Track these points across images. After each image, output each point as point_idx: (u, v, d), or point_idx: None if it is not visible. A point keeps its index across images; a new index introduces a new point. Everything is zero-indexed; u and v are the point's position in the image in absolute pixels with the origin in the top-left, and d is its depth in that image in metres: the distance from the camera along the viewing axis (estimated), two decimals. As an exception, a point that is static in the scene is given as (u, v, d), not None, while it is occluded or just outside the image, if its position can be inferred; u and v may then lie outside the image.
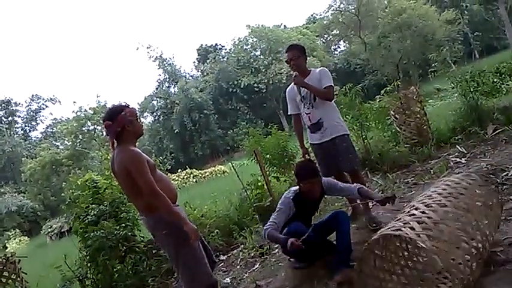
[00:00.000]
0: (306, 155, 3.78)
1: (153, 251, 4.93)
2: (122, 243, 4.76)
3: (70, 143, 31.89)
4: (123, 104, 2.81)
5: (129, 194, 2.80)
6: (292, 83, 3.71)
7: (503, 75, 5.99)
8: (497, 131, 5.26)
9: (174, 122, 38.22)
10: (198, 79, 44.29)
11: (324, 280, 3.01)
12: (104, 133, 36.56)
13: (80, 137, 31.66)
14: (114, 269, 4.69)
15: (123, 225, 4.83)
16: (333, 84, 3.57)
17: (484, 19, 38.78)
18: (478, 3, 35.64)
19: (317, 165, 3.65)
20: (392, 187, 4.54)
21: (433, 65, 7.73)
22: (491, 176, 3.80)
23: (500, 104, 6.01)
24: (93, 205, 4.99)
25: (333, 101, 3.68)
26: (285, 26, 46.02)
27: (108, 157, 5.52)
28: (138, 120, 2.79)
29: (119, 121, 2.66)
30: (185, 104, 37.77)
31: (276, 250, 4.00)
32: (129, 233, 4.89)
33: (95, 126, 31.79)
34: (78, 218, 4.95)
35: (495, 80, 6.03)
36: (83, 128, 31.98)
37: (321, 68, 3.77)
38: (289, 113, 3.92)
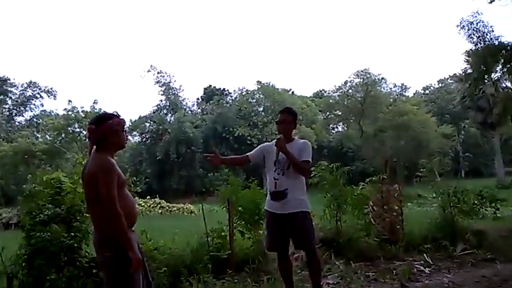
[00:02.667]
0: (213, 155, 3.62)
1: (94, 271, 4.66)
2: (66, 252, 4.50)
3: (51, 138, 31.29)
4: (114, 113, 2.76)
5: (89, 202, 2.66)
6: (273, 143, 3.62)
7: (484, 200, 6.12)
8: (465, 251, 5.28)
9: (159, 149, 37.95)
10: (196, 115, 44.70)
11: None
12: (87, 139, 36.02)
13: (63, 135, 31.17)
14: (48, 277, 4.40)
15: (73, 234, 4.60)
16: (311, 161, 3.55)
17: (478, 143, 40.45)
18: (476, 128, 37.31)
19: (266, 233, 3.69)
20: (352, 276, 4.44)
21: (421, 170, 7.89)
22: (450, 294, 3.75)
23: (475, 226, 6.09)
24: (50, 205, 4.78)
25: (304, 178, 3.61)
26: (293, 92, 47.43)
27: (83, 162, 5.39)
28: (124, 132, 2.72)
29: (103, 128, 2.58)
30: (176, 134, 37.78)
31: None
32: (76, 245, 4.65)
33: (81, 130, 31.41)
34: (29, 214, 4.71)
35: (475, 202, 6.15)
36: (69, 128, 31.56)
37: (304, 140, 3.74)
38: (247, 154, 3.83)
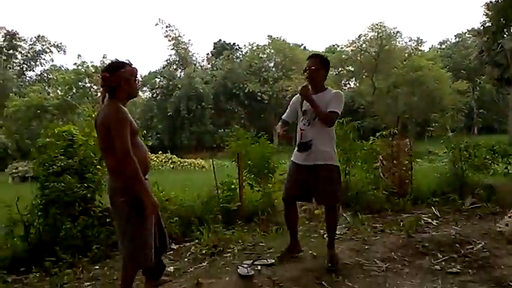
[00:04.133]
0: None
1: (107, 220, 4.80)
2: (79, 202, 4.62)
3: (62, 93, 31.38)
4: (126, 61, 2.74)
5: (103, 150, 2.70)
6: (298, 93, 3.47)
7: (496, 155, 6.04)
8: (474, 205, 5.29)
9: (170, 105, 37.97)
10: (207, 71, 44.24)
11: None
12: (99, 93, 36.26)
13: (74, 90, 31.22)
14: (63, 226, 4.56)
15: (86, 185, 4.70)
16: (339, 112, 3.34)
17: (493, 100, 39.60)
18: (492, 84, 36.36)
19: (286, 182, 3.57)
20: (359, 227, 4.51)
21: (433, 124, 7.79)
22: (456, 245, 3.79)
23: (485, 181, 6.07)
24: (62, 157, 4.86)
25: (333, 129, 3.44)
26: (305, 47, 46.33)
27: (93, 115, 5.41)
28: (136, 81, 2.73)
29: (116, 76, 2.60)
30: (186, 90, 37.61)
31: (229, 254, 3.93)
32: (89, 195, 4.77)
33: (92, 84, 31.40)
34: (43, 165, 4.80)
35: (487, 156, 6.08)
36: (79, 83, 31.56)
37: (337, 91, 3.46)
38: (282, 116, 3.65)
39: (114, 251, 4.29)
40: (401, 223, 4.57)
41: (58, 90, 33.07)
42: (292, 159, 3.53)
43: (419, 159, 10.60)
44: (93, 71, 31.07)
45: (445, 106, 30.36)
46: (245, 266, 3.32)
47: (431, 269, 3.37)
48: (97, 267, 3.91)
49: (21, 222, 4.38)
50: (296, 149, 3.46)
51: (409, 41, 36.17)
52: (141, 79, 40.15)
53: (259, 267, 3.36)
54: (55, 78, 34.68)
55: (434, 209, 5.14)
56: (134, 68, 2.71)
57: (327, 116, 3.29)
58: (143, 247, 2.64)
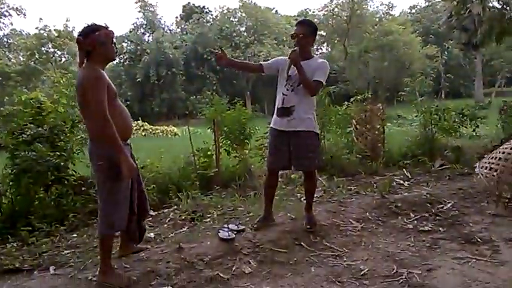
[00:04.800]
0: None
1: (82, 188, 4.73)
2: (52, 171, 4.51)
3: (24, 59, 29.92)
4: (103, 24, 2.68)
5: (82, 113, 2.70)
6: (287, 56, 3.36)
7: (464, 118, 6.26)
8: (443, 167, 5.51)
9: (139, 71, 36.93)
10: (176, 35, 42.98)
11: (249, 255, 3.04)
12: (63, 59, 34.75)
13: (37, 55, 29.82)
14: (36, 195, 4.46)
15: (58, 153, 4.58)
16: (324, 82, 3.33)
17: (460, 64, 40.55)
18: (459, 49, 37.09)
19: (268, 151, 3.52)
20: (334, 190, 4.63)
21: (403, 90, 7.93)
22: (428, 204, 3.97)
23: (453, 143, 6.31)
24: (32, 125, 4.68)
25: (314, 97, 3.43)
26: (276, 11, 45.62)
27: (61, 81, 5.21)
28: (113, 45, 2.68)
29: (90, 39, 2.56)
30: (155, 56, 36.57)
31: (208, 219, 3.97)
32: (62, 163, 4.65)
33: (56, 50, 30.01)
34: (12, 134, 4.62)
35: (456, 119, 6.30)
36: (42, 48, 30.10)
37: (323, 60, 3.42)
38: (260, 63, 3.60)
39: (92, 219, 4.25)
40: (375, 185, 4.73)
41: (20, 56, 31.50)
42: (271, 125, 3.49)
43: (389, 123, 10.91)
44: (56, 35, 29.67)
45: (414, 71, 30.87)
46: (225, 230, 3.37)
47: (404, 228, 3.53)
48: (75, 235, 3.87)
49: (-8, 192, 4.25)
50: (276, 113, 3.42)
51: (380, 5, 36.22)
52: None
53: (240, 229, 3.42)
54: (15, 43, 32.89)
55: (405, 171, 5.32)
56: (110, 30, 2.66)
57: (312, 85, 3.26)
58: (115, 210, 2.66)
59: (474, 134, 6.54)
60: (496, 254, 2.95)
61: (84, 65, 2.59)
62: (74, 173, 4.86)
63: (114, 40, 2.71)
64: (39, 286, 2.62)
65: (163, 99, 37.81)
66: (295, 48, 3.29)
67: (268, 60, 3.62)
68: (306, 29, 3.37)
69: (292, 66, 3.27)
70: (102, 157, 2.59)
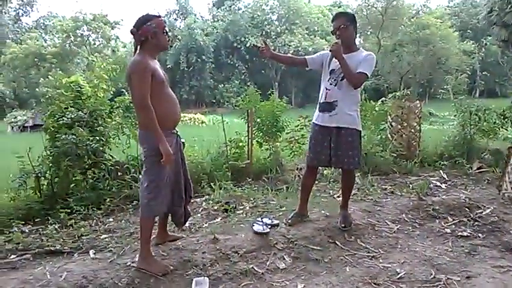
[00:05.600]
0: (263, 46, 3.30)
1: (118, 173, 4.84)
2: (90, 155, 4.62)
3: (60, 41, 30.68)
4: (155, 14, 2.75)
5: (132, 101, 2.84)
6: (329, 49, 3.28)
7: (506, 120, 6.02)
8: (481, 170, 5.34)
9: (169, 57, 37.29)
10: (207, 22, 43.07)
11: (283, 250, 3.04)
12: (97, 42, 35.43)
13: (72, 38, 30.50)
14: (74, 178, 4.59)
15: (97, 138, 4.68)
16: (369, 75, 3.21)
17: (497, 62, 39.00)
18: (498, 45, 35.63)
19: (309, 146, 3.45)
20: (369, 189, 4.56)
21: (441, 88, 7.71)
22: (466, 209, 3.86)
23: (492, 146, 6.09)
24: (72, 108, 4.80)
25: (358, 93, 3.34)
26: (309, 0, 44.92)
27: (103, 66, 5.29)
28: (165, 33, 2.74)
29: (143, 30, 2.64)
30: (187, 42, 36.86)
31: (241, 211, 3.99)
32: (101, 148, 4.76)
33: (90, 32, 30.62)
34: (53, 116, 4.75)
35: (497, 121, 6.07)
36: (77, 31, 30.76)
37: (369, 52, 3.31)
38: (305, 57, 3.52)
39: (127, 204, 4.36)
40: (411, 186, 4.62)
41: (55, 38, 32.31)
42: (313, 120, 3.44)
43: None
44: (92, 18, 30.22)
45: (449, 67, 29.94)
46: (260, 223, 3.38)
47: (442, 232, 3.45)
48: (111, 219, 3.96)
49: (34, 173, 4.39)
50: (318, 109, 3.37)
51: (417, -2, 35.14)
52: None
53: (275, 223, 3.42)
54: (52, 25, 33.76)
55: (442, 173, 5.18)
56: (161, 20, 2.73)
57: (355, 77, 3.17)
58: (155, 195, 2.71)
59: (517, 136, 6.30)
60: (539, 265, 2.84)
61: (137, 53, 2.67)
62: (111, 157, 4.98)
63: (167, 29, 2.76)
64: (80, 269, 2.69)
65: (192, 86, 38.17)
66: (337, 41, 3.22)
67: (299, 50, 3.54)
68: (344, 20, 3.27)
69: (334, 59, 3.21)
70: (146, 143, 2.69)
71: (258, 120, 5.84)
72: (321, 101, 3.35)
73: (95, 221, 3.88)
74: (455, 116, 6.32)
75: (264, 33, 38.85)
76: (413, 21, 30.72)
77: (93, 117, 4.89)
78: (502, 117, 6.04)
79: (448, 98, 7.47)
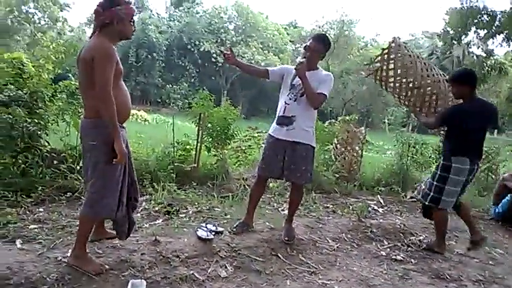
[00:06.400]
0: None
1: (54, 162, 4.51)
2: (25, 138, 4.27)
3: (2, 14, 28.44)
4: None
5: (82, 85, 2.53)
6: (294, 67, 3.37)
7: (440, 155, 6.43)
8: (414, 199, 5.65)
9: (118, 48, 35.58)
10: (163, 20, 42.26)
11: (226, 259, 2.99)
12: (42, 21, 33.27)
13: (16, 13, 28.39)
14: (3, 161, 4.21)
15: (36, 121, 4.35)
16: (327, 96, 3.31)
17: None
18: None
19: (262, 157, 3.46)
20: (312, 205, 4.65)
21: (379, 119, 8.12)
22: (400, 234, 4.05)
23: (424, 178, 6.49)
24: (12, 86, 4.43)
25: (315, 110, 3.41)
26: (267, 16, 45.78)
27: (52, 46, 4.96)
28: (132, 23, 2.55)
29: (110, 12, 2.43)
30: (138, 37, 35.74)
31: (184, 215, 3.88)
32: (38, 132, 4.43)
33: (36, 11, 28.75)
34: (-13, 91, 4.35)
35: (432, 155, 6.49)
36: (23, 7, 28.74)
37: (328, 73, 3.42)
38: (267, 68, 3.58)
39: (60, 195, 4.06)
40: (351, 207, 4.78)
41: (-4, 10, 29.97)
42: (270, 132, 3.46)
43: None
44: (41, -4, 28.46)
45: (388, 100, 31.70)
46: (204, 229, 3.30)
47: (378, 254, 3.58)
48: (41, 210, 3.66)
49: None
50: (276, 121, 3.40)
51: (367, 31, 37.04)
52: (89, 17, 37.47)
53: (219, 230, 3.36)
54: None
55: (379, 197, 5.42)
56: (131, 7, 2.54)
57: (315, 97, 3.25)
58: (105, 195, 2.52)
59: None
60: (464, 293, 3.03)
61: (95, 37, 2.45)
62: (47, 144, 4.64)
63: (135, 18, 2.59)
64: (4, 259, 2.45)
65: (139, 82, 37.06)
66: (302, 61, 3.28)
67: (251, 63, 3.58)
68: (321, 47, 3.38)
69: (297, 77, 3.26)
70: (97, 137, 2.46)
71: (209, 125, 5.75)
72: (280, 114, 3.37)
73: (23, 209, 3.57)
74: (394, 145, 6.67)
75: (219, 40, 38.86)
76: (361, 52, 32.40)
77: (33, 98, 4.53)
78: (437, 152, 6.46)
79: (383, 128, 7.85)
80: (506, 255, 3.98)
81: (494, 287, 3.20)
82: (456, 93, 3.66)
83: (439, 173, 3.68)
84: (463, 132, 3.54)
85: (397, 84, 4.32)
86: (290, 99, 3.33)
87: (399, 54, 3.99)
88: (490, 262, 3.73)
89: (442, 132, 4.13)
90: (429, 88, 3.96)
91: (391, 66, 4.21)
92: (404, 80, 4.22)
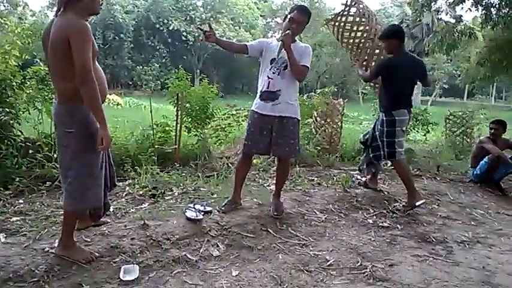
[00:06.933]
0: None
1: (29, 151, 4.35)
2: (-3, 129, 4.08)
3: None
4: None
5: (55, 69, 2.32)
6: (274, 39, 3.37)
7: (417, 122, 6.56)
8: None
9: (83, 32, 34.61)
10: (128, 0, 40.80)
11: (217, 238, 2.98)
12: (1, 7, 31.59)
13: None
14: (-26, 153, 4.04)
15: (7, 110, 4.16)
16: (309, 67, 3.30)
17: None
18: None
19: (247, 134, 3.41)
20: (297, 179, 4.67)
21: (353, 90, 8.17)
22: (385, 201, 4.13)
23: (406, 145, 6.62)
24: (-24, 75, 4.20)
25: (298, 83, 3.39)
26: (236, -9, 44.83)
27: (17, 31, 4.69)
28: None
29: None
30: (104, 18, 34.42)
31: (170, 197, 3.83)
32: (10, 122, 4.24)
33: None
34: (-49, 82, 4.11)
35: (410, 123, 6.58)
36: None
37: (307, 45, 3.40)
38: (245, 43, 3.49)
39: (39, 185, 3.94)
40: (334, 178, 4.82)
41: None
42: (253, 108, 3.39)
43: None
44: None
45: (361, 71, 31.96)
46: (192, 210, 3.27)
47: (365, 222, 3.65)
48: (21, 201, 3.54)
49: None
50: (259, 97, 3.35)
51: (337, 2, 37.03)
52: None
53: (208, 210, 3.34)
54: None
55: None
56: None
57: (300, 70, 3.23)
58: (91, 185, 2.42)
59: (425, 139, 6.90)
60: (450, 254, 3.14)
61: (63, 14, 2.24)
62: (20, 133, 4.46)
63: None
64: (-12, 255, 2.36)
65: (108, 65, 35.83)
66: (287, 32, 3.22)
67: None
68: (305, 19, 3.34)
69: (283, 49, 3.20)
70: (75, 123, 2.31)
71: (187, 105, 5.64)
72: (263, 90, 3.32)
73: (2, 201, 3.45)
74: (373, 115, 6.73)
75: (188, 18, 37.91)
76: (333, 24, 32.31)
77: (1, 86, 4.32)
78: (415, 119, 6.57)
79: (357, 100, 7.91)
80: (487, 215, 4.13)
81: (478, 247, 3.32)
82: (387, 48, 4.03)
83: (386, 129, 4.03)
84: (396, 85, 3.94)
85: (352, 34, 4.93)
86: (274, 73, 3.28)
87: (359, 5, 4.78)
88: (472, 223, 3.87)
89: (377, 85, 4.75)
90: (380, 42, 4.37)
91: (350, 19, 4.92)
92: (361, 29, 4.86)
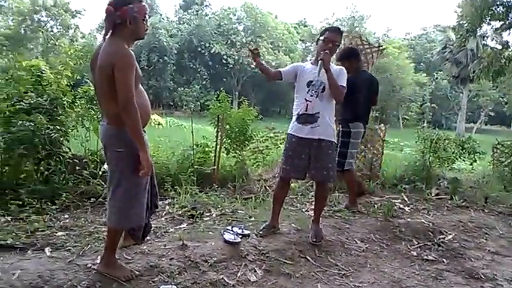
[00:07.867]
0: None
1: (76, 168, 4.53)
2: (46, 145, 4.26)
3: (15, 23, 28.86)
4: None
5: (102, 92, 2.39)
6: (307, 63, 3.41)
7: (463, 151, 6.30)
8: (439, 196, 5.52)
9: (130, 54, 36.19)
10: (173, 24, 42.46)
11: (254, 262, 2.93)
12: (55, 29, 33.70)
13: (29, 22, 28.79)
14: (26, 168, 4.24)
15: (57, 127, 4.35)
16: (346, 88, 3.29)
17: (446, 96, 41.53)
18: (448, 81, 37.98)
19: (284, 158, 3.37)
20: (336, 205, 4.56)
21: (393, 115, 7.98)
22: (430, 233, 3.95)
23: (448, 174, 6.36)
24: (32, 93, 4.45)
25: (335, 105, 3.38)
26: (276, 16, 45.65)
27: (70, 52, 4.96)
28: (145, 22, 2.43)
29: (122, 12, 2.29)
30: (149, 41, 35.96)
31: (208, 218, 3.84)
32: (60, 139, 4.44)
33: (49, 19, 29.10)
34: (9, 99, 4.36)
35: (455, 151, 6.33)
36: (35, 15, 29.13)
37: (341, 67, 3.43)
38: (279, 69, 3.49)
39: (84, 201, 4.07)
40: (375, 206, 4.67)
41: (10, 21, 30.34)
42: (291, 132, 3.37)
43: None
44: (52, 4, 28.78)
45: (402, 96, 31.37)
46: (231, 232, 3.25)
47: (408, 254, 3.49)
48: (66, 216, 3.67)
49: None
50: (297, 120, 3.33)
51: (378, 27, 36.76)
52: (100, 22, 37.78)
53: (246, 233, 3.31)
54: (9, 6, 31.72)
55: (403, 195, 5.29)
56: (144, 5, 2.40)
57: (340, 90, 3.23)
58: (134, 205, 2.47)
59: (471, 168, 6.61)
60: (501, 293, 2.93)
61: (110, 40, 2.33)
62: (68, 150, 4.65)
63: (147, 17, 2.46)
64: (35, 267, 2.43)
65: (151, 86, 37.21)
66: (326, 51, 3.22)
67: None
68: (338, 38, 3.39)
69: (323, 70, 3.19)
70: (124, 144, 2.37)
71: (227, 126, 5.71)
72: (301, 113, 3.31)
73: (49, 216, 3.57)
74: (416, 142, 6.52)
75: (229, 41, 38.88)
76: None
77: (53, 105, 4.55)
78: (461, 147, 6.31)
79: (392, 124, 7.71)
80: (540, 252, 3.84)
81: (532, 286, 3.09)
82: (348, 68, 3.88)
83: (340, 139, 4.24)
84: (354, 100, 4.08)
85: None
86: (311, 95, 3.28)
87: None
88: (525, 260, 3.61)
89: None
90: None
91: None
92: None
